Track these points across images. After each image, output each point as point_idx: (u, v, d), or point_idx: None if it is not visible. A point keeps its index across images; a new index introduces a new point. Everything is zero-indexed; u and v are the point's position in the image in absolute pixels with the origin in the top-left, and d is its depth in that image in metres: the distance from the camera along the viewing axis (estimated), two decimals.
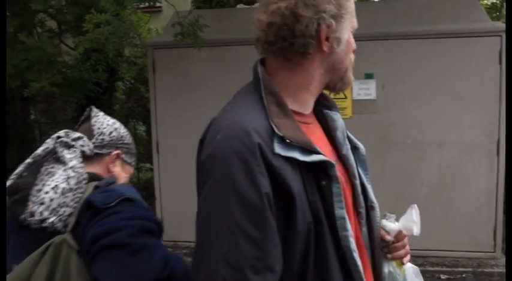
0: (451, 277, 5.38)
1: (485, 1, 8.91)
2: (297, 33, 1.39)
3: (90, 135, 1.85)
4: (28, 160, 1.78)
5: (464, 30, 5.52)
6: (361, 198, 1.57)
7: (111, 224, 1.57)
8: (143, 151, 9.18)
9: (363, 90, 5.70)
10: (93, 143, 1.84)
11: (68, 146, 1.76)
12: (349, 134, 1.65)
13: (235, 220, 1.25)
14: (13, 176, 1.76)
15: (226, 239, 1.25)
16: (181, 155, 5.90)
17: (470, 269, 5.48)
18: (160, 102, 6.16)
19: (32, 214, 1.61)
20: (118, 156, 1.90)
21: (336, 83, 1.54)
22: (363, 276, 1.43)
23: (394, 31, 5.64)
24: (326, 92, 1.60)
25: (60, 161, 1.71)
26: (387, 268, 1.64)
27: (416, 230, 1.62)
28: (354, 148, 1.63)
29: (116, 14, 5.46)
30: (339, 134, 1.60)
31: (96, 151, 1.84)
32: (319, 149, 1.39)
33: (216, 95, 5.61)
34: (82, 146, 1.79)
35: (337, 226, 1.39)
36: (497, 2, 8.31)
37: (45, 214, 1.60)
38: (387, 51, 5.67)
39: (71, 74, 7.47)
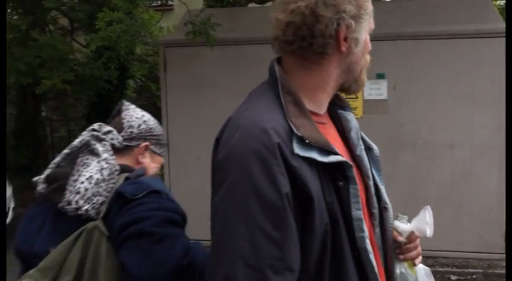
0: (461, 278, 5.36)
1: (498, 2, 8.86)
2: (316, 33, 1.38)
3: (120, 128, 1.95)
4: (65, 151, 1.89)
5: (477, 31, 5.49)
6: (374, 199, 1.56)
7: (138, 214, 1.68)
8: None
9: (374, 90, 5.69)
10: (123, 136, 1.93)
11: (99, 140, 1.87)
12: (363, 135, 1.64)
13: (254, 220, 1.24)
14: (51, 165, 1.88)
15: (245, 240, 1.24)
16: (192, 153, 5.91)
17: (480, 270, 5.46)
18: (171, 100, 6.17)
19: (69, 203, 1.72)
20: (147, 148, 1.98)
21: (350, 84, 1.52)
22: (379, 277, 1.43)
23: (406, 31, 5.62)
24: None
25: (94, 153, 1.82)
26: (399, 269, 1.63)
27: (429, 231, 1.61)
28: (368, 149, 1.62)
29: (128, 12, 5.48)
30: (353, 135, 1.59)
31: (125, 143, 1.94)
32: (336, 150, 1.38)
33: (227, 93, 5.62)
34: (112, 139, 1.90)
35: (354, 227, 1.38)
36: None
37: (81, 202, 1.71)
38: (399, 52, 5.65)
39: (82, 71, 7.51)
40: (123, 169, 1.86)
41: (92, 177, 1.75)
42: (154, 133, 2.02)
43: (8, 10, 8.19)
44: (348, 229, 1.38)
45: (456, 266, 5.56)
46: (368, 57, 1.53)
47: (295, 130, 1.32)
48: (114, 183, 1.79)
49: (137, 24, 5.50)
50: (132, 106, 2.06)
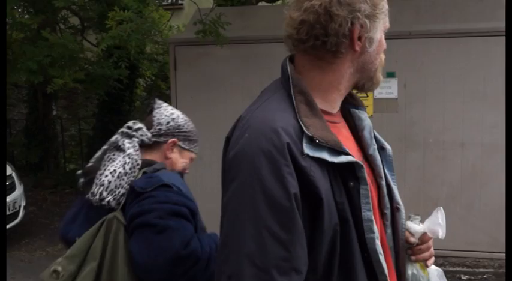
0: (472, 278, 5.34)
1: None
2: (330, 31, 1.37)
3: (151, 125, 2.12)
4: (104, 146, 2.09)
5: (488, 29, 5.45)
6: (386, 199, 1.55)
7: (145, 206, 1.86)
8: None
9: (384, 89, 5.66)
10: (152, 132, 2.10)
11: (130, 136, 2.06)
12: (376, 134, 1.62)
13: (262, 220, 1.24)
14: (92, 159, 2.09)
15: (252, 239, 1.24)
16: (201, 152, 5.90)
17: (491, 270, 5.43)
18: (181, 99, 6.17)
19: (94, 194, 1.93)
20: (175, 144, 2.14)
21: (364, 82, 1.51)
22: (388, 279, 1.42)
23: (417, 30, 5.60)
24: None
25: (120, 148, 2.02)
26: (411, 270, 1.62)
27: (441, 233, 1.60)
28: (381, 148, 1.60)
29: (138, 11, 5.49)
30: (366, 134, 1.57)
31: (154, 139, 2.11)
32: (347, 150, 1.37)
33: (236, 92, 5.62)
34: (142, 135, 2.07)
35: (364, 228, 1.37)
36: None
37: (104, 194, 1.92)
38: (409, 50, 5.62)
39: (93, 70, 7.54)
40: (147, 163, 2.04)
41: (115, 171, 1.94)
42: (182, 130, 2.17)
43: (19, 9, 8.24)
44: (357, 230, 1.37)
45: (467, 266, 5.54)
46: (383, 56, 1.51)
47: (305, 130, 1.31)
48: (134, 176, 1.98)
49: (147, 23, 5.51)
50: (164, 104, 2.22)
